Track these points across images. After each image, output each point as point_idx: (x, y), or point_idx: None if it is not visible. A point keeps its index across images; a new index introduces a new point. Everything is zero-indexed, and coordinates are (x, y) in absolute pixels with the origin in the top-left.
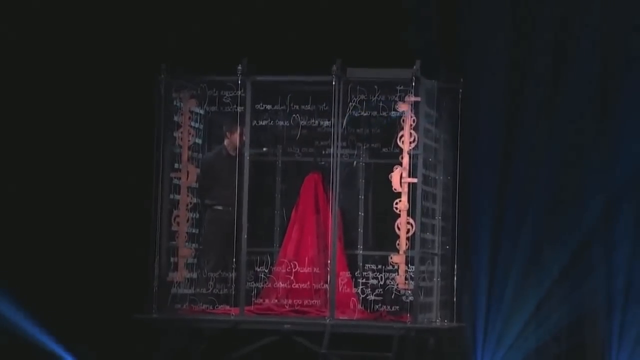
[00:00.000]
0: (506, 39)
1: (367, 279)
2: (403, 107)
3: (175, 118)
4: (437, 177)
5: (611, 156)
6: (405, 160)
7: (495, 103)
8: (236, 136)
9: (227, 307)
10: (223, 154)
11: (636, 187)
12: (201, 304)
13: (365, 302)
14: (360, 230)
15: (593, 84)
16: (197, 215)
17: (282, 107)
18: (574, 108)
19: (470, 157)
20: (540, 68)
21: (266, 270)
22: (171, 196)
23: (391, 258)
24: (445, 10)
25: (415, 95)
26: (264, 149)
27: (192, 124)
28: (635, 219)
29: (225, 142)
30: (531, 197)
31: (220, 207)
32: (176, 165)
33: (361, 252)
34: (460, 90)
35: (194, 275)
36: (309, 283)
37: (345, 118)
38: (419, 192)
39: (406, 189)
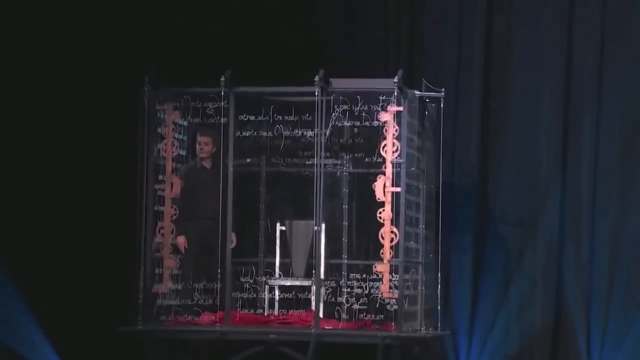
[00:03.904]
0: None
1: (352, 288)
2: (385, 117)
3: (159, 130)
4: (420, 186)
5: (591, 154)
6: (389, 169)
7: (474, 111)
8: (200, 146)
9: (210, 313)
10: (197, 166)
11: (612, 185)
12: (186, 315)
13: (350, 311)
14: (345, 239)
15: (569, 87)
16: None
17: (265, 118)
18: (553, 108)
19: (452, 165)
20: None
21: (251, 281)
22: (155, 207)
23: (375, 267)
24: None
25: (398, 105)
26: (248, 160)
27: (176, 135)
28: (613, 217)
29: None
30: (513, 202)
31: (195, 220)
32: (160, 177)
33: (345, 261)
34: (442, 99)
35: (179, 287)
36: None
37: (329, 128)
38: (402, 201)
39: (390, 198)
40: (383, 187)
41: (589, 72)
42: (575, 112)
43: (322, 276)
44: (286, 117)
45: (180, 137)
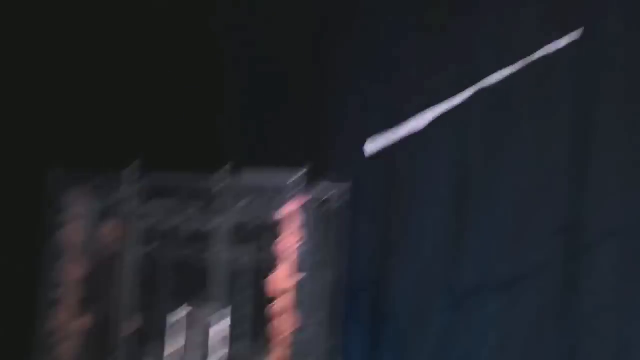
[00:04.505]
0: None
1: None
2: (290, 208)
3: (63, 215)
4: (322, 275)
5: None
6: (291, 259)
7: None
8: (106, 232)
9: None
10: (102, 251)
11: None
12: None
13: None
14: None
15: None
16: None
17: (172, 205)
18: None
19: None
20: None
21: None
22: (55, 293)
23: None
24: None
25: (302, 196)
26: (151, 247)
27: (81, 221)
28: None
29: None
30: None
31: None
32: (62, 262)
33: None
34: (348, 191)
35: None
36: None
37: (233, 218)
38: (303, 289)
39: (290, 287)
40: (284, 276)
41: None
42: None
43: None
44: (193, 204)
45: (86, 223)
